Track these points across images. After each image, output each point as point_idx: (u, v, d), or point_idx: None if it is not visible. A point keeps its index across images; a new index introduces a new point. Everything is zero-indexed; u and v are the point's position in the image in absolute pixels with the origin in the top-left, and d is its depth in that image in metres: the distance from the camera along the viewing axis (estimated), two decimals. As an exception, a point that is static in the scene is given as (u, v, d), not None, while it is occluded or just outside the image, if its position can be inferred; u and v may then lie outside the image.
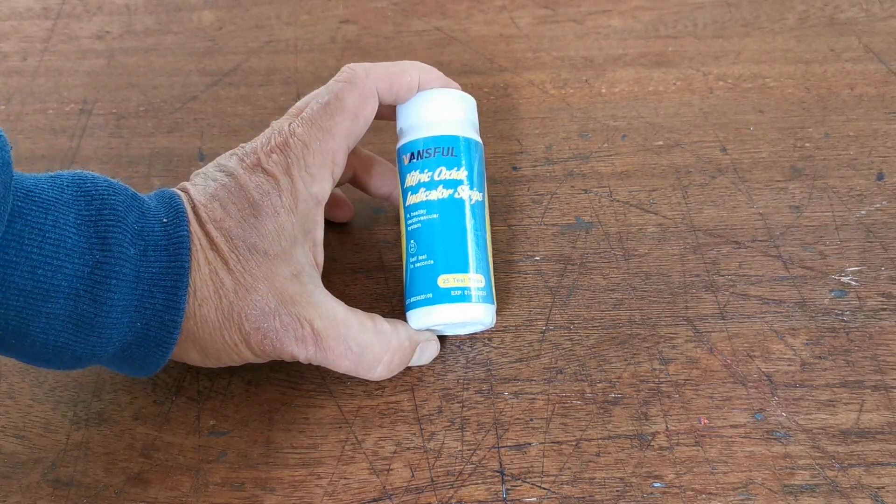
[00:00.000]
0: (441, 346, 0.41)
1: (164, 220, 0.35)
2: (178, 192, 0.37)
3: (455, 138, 0.39)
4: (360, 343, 0.37)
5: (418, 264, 0.38)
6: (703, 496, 0.36)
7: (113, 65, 0.54)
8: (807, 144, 0.47)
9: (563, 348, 0.41)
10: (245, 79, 0.53)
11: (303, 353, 0.36)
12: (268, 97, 0.52)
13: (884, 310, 0.41)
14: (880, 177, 0.46)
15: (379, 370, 0.38)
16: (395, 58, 0.53)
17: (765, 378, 0.39)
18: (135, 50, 0.55)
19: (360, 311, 0.38)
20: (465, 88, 0.48)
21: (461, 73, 0.52)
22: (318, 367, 0.41)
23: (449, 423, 0.39)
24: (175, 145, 0.50)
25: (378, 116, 0.40)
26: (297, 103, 0.40)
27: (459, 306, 0.38)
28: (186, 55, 0.55)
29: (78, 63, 0.54)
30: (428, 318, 0.38)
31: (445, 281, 0.38)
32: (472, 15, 0.56)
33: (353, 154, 0.43)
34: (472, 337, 0.41)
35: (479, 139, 0.41)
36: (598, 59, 0.52)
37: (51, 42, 0.56)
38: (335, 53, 0.54)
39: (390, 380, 0.40)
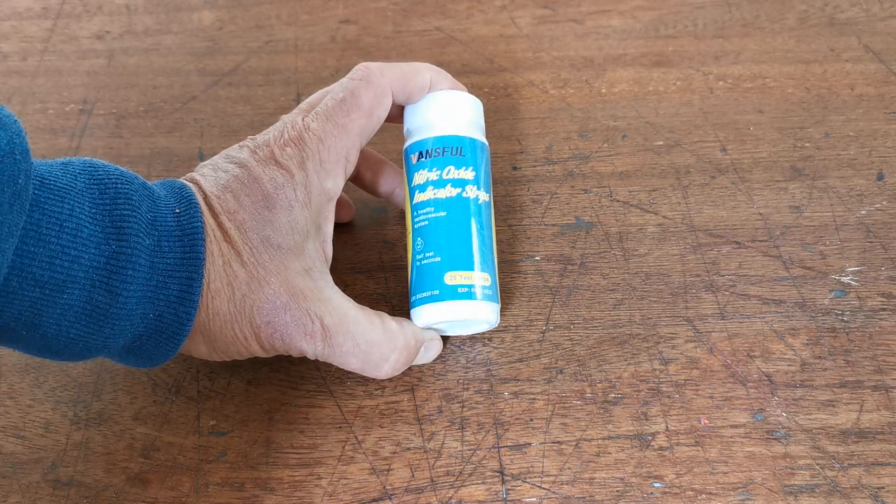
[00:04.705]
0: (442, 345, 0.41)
1: (177, 211, 0.35)
2: (187, 182, 0.37)
3: (463, 139, 0.40)
4: (368, 341, 0.37)
5: (425, 261, 0.38)
6: (703, 496, 0.36)
7: (113, 65, 0.54)
8: (807, 144, 0.47)
9: (563, 348, 0.41)
10: (245, 79, 0.53)
11: (311, 348, 0.36)
12: (268, 97, 0.52)
13: (884, 310, 0.41)
14: (880, 177, 0.46)
15: (385, 369, 0.38)
16: (395, 58, 0.53)
17: (765, 378, 0.39)
18: (135, 50, 0.55)
19: (368, 309, 0.38)
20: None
21: (461, 73, 0.52)
22: (317, 367, 0.41)
23: (449, 423, 0.39)
24: (175, 145, 0.50)
25: (386, 118, 0.40)
26: (308, 99, 0.40)
27: (466, 303, 0.38)
28: (186, 55, 0.55)
29: (78, 63, 0.54)
30: (434, 314, 0.38)
31: (452, 278, 0.38)
32: (472, 15, 0.56)
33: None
34: (472, 337, 0.41)
35: (485, 141, 0.41)
36: (598, 59, 0.52)
37: (51, 42, 0.56)
38: (335, 53, 0.54)
39: (390, 380, 0.40)
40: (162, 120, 0.51)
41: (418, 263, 0.39)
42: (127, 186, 0.34)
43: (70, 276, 0.31)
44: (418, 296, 0.39)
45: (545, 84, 0.51)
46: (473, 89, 0.51)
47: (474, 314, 0.38)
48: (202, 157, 0.49)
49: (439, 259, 0.38)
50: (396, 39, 0.55)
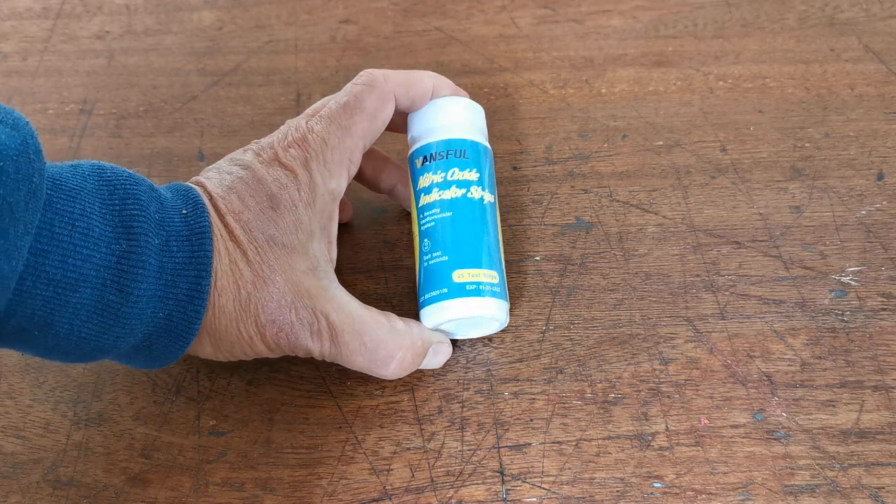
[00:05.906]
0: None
1: (184, 212, 0.35)
2: (193, 185, 0.37)
3: (467, 142, 0.40)
4: (374, 339, 0.37)
5: (432, 261, 0.39)
6: (703, 496, 0.36)
7: (113, 65, 0.54)
8: (807, 144, 0.47)
9: (563, 348, 0.41)
10: (245, 79, 0.53)
11: (317, 347, 0.36)
12: (268, 97, 0.52)
13: (884, 310, 0.41)
14: (880, 177, 0.46)
15: (392, 367, 0.38)
16: (395, 58, 0.53)
17: (765, 378, 0.39)
18: (135, 50, 0.55)
19: (374, 309, 0.38)
20: (464, 88, 0.48)
21: (461, 73, 0.52)
22: (317, 367, 0.41)
23: (449, 423, 0.39)
24: (175, 145, 0.50)
25: (389, 127, 0.41)
26: (313, 105, 0.41)
27: (474, 300, 0.38)
28: (186, 55, 0.55)
29: (78, 63, 0.54)
30: (442, 312, 0.38)
31: (460, 276, 0.38)
32: (472, 15, 0.56)
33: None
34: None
35: (489, 146, 0.42)
36: (598, 59, 0.52)
37: (51, 42, 0.56)
38: (335, 53, 0.54)
39: (390, 380, 0.40)
40: (162, 120, 0.51)
41: (426, 264, 0.39)
42: (135, 188, 0.34)
43: (82, 274, 0.32)
44: (427, 295, 0.39)
45: (545, 84, 0.51)
46: (473, 89, 0.51)
47: (483, 310, 0.38)
48: (202, 157, 0.49)
49: (446, 258, 0.38)
50: (396, 39, 0.55)
